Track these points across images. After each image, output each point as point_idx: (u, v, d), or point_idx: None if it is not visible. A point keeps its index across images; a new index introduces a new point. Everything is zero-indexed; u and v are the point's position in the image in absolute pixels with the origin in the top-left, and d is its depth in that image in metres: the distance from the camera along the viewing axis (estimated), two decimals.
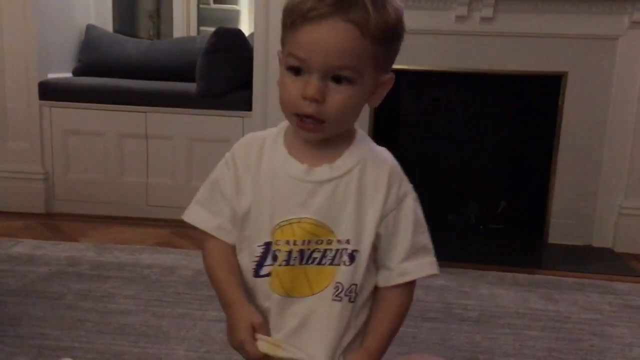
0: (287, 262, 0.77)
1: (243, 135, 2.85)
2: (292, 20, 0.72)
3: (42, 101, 2.74)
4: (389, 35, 0.73)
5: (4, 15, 2.67)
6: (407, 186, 0.80)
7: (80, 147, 2.78)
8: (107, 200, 2.80)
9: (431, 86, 2.88)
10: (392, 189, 0.78)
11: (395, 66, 0.80)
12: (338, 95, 0.73)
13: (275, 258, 0.78)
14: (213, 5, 5.34)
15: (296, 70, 0.74)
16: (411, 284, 0.81)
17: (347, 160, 0.78)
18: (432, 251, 0.82)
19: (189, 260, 2.23)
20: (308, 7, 0.70)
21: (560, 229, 2.65)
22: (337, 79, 0.72)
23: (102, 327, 1.69)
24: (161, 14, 3.89)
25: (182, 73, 2.92)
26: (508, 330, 1.77)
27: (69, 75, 2.99)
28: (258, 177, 0.80)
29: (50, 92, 2.74)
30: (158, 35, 3.78)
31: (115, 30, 3.32)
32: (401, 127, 2.95)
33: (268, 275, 0.79)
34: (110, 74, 2.95)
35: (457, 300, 1.97)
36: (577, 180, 2.61)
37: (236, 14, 5.71)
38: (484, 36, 2.52)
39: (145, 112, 2.74)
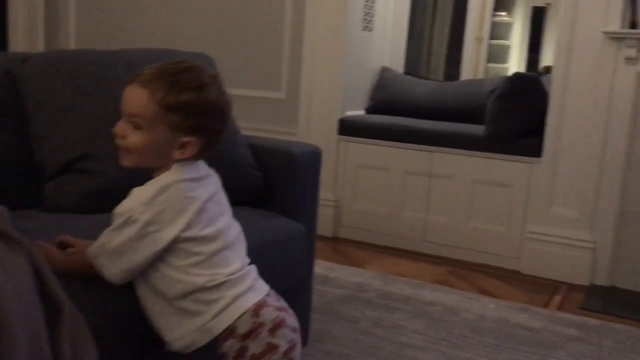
0: None
1: (528, 181, 2.79)
2: (128, 78, 1.04)
3: (339, 136, 3.03)
4: (179, 109, 1.00)
5: (317, 59, 3.02)
6: (122, 203, 1.01)
7: (368, 180, 3.00)
8: (387, 231, 2.96)
9: None
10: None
11: None
12: (134, 136, 1.02)
13: None
14: (488, 41, 5.36)
15: (122, 113, 1.05)
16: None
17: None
18: (99, 244, 1.03)
19: (470, 304, 2.25)
20: (134, 74, 1.03)
21: None
22: (133, 125, 1.02)
23: (396, 358, 1.79)
24: (449, 55, 4.03)
25: (469, 115, 2.98)
26: None
27: (362, 113, 3.26)
28: None
29: (347, 128, 3.02)
30: (447, 76, 3.91)
31: (405, 72, 3.53)
32: None
33: None
34: (400, 113, 3.14)
35: None
36: None
37: (506, 49, 5.65)
38: None
39: (431, 151, 2.85)
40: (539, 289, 2.49)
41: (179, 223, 1.00)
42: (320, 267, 2.55)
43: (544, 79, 2.81)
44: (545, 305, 2.32)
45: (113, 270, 1.01)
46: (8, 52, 1.59)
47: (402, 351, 1.83)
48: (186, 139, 1.03)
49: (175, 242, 1.00)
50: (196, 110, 1.02)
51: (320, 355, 1.77)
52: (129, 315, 1.06)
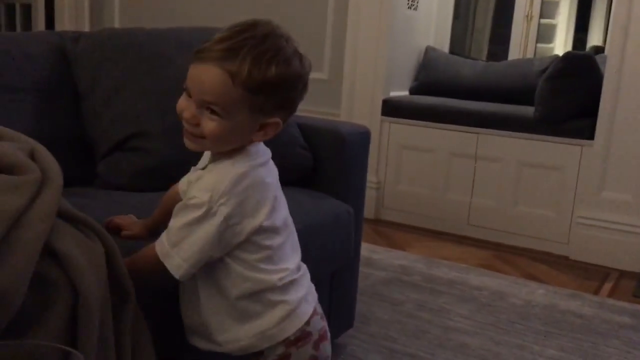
0: None
1: (579, 165, 2.70)
2: (194, 54, 0.89)
3: (383, 117, 2.99)
4: (265, 87, 0.86)
5: (361, 39, 2.97)
6: (197, 192, 0.90)
7: (412, 161, 2.96)
8: (430, 214, 2.92)
9: None
10: (189, 187, 0.95)
11: None
12: (210, 123, 0.88)
13: None
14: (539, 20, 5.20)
15: (189, 93, 0.89)
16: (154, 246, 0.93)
17: (206, 171, 0.95)
18: (172, 242, 0.90)
19: (517, 289, 2.20)
20: (201, 48, 0.88)
21: None
22: (210, 111, 0.87)
23: (443, 342, 1.77)
24: (493, 34, 3.92)
25: (517, 96, 2.90)
26: None
27: (406, 93, 3.21)
28: None
29: (391, 109, 2.97)
30: (491, 55, 3.81)
31: (450, 52, 3.45)
32: None
33: None
34: (445, 93, 3.08)
35: None
36: None
37: (551, 28, 5.47)
38: None
39: (477, 133, 2.79)
40: (588, 275, 2.42)
41: (261, 213, 0.91)
42: (363, 249, 2.51)
43: (597, 59, 2.70)
44: (596, 292, 2.25)
45: (187, 270, 0.91)
46: (61, 31, 1.59)
47: (449, 335, 1.81)
48: (269, 120, 0.91)
49: (253, 234, 0.91)
50: (284, 87, 0.89)
51: (365, 337, 1.76)
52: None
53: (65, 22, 3.81)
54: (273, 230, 0.95)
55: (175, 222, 0.91)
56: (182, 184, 1.05)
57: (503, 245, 2.73)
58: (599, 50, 3.69)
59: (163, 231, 0.95)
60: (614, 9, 2.49)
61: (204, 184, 0.91)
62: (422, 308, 1.99)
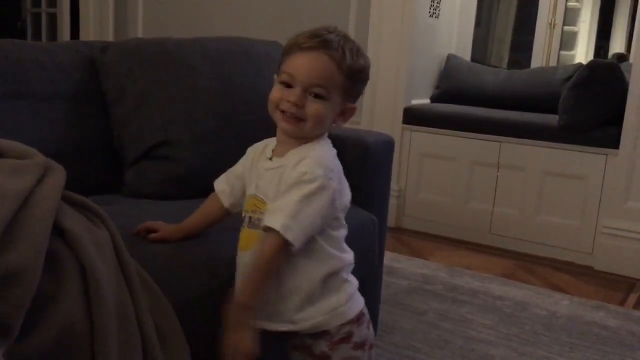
0: (245, 226, 1.05)
1: (604, 174, 2.67)
2: (290, 49, 0.99)
3: (404, 125, 2.98)
4: (357, 75, 1.00)
5: (382, 46, 2.98)
6: (308, 168, 0.95)
7: (433, 170, 2.95)
8: (452, 223, 2.90)
9: None
10: (294, 166, 0.97)
11: None
12: (314, 105, 0.97)
13: (243, 221, 1.06)
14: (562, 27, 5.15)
15: (286, 85, 0.98)
16: (270, 233, 0.94)
17: (290, 156, 1.00)
18: (290, 215, 0.93)
19: (541, 299, 2.18)
20: (303, 41, 0.98)
21: None
22: (314, 95, 0.97)
23: (466, 353, 1.75)
24: (515, 41, 3.91)
25: (540, 104, 2.87)
26: None
27: (427, 101, 3.20)
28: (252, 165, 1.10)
29: (412, 117, 2.96)
30: (512, 63, 3.80)
31: (472, 60, 3.44)
32: None
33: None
34: (467, 102, 3.07)
35: None
36: None
37: (573, 36, 5.43)
38: None
39: (499, 141, 2.77)
40: (613, 286, 2.39)
41: (347, 193, 1.02)
42: (385, 258, 2.50)
43: (622, 67, 2.67)
44: (621, 303, 2.22)
45: (303, 240, 0.95)
46: (89, 41, 1.61)
47: (472, 346, 1.79)
48: (350, 105, 1.03)
49: (341, 211, 1.01)
50: (364, 76, 1.03)
51: (389, 347, 1.75)
52: (212, 295, 1.04)
53: (90, 31, 3.87)
54: (346, 212, 1.05)
55: (291, 197, 0.95)
56: (220, 183, 1.13)
57: (526, 254, 2.71)
58: (622, 57, 3.65)
59: (197, 237, 1.06)
60: (639, 16, 2.46)
61: (312, 160, 0.97)
62: (444, 318, 1.98)
